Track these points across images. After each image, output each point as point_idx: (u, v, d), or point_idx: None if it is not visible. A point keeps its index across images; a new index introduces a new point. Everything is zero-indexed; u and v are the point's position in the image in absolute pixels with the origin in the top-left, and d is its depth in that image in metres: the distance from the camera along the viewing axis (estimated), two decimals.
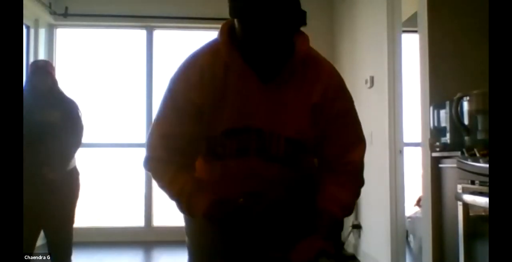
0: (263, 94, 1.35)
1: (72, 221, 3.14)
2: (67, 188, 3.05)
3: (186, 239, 1.56)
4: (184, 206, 1.40)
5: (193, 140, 1.40)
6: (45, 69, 3.05)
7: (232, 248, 1.43)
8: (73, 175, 3.11)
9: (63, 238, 3.09)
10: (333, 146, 1.42)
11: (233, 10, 1.28)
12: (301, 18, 1.30)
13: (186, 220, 1.56)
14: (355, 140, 1.46)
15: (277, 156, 1.40)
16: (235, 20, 1.30)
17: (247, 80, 1.35)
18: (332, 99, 1.39)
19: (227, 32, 1.35)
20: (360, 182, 1.48)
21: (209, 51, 1.40)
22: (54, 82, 3.12)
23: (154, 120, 1.45)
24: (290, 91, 1.37)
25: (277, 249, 1.42)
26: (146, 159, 1.48)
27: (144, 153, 1.48)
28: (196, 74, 1.36)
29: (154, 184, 5.28)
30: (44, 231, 3.13)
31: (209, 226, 1.42)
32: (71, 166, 3.10)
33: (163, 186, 1.46)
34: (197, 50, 1.43)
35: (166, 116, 1.41)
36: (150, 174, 1.49)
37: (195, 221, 1.50)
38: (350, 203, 1.44)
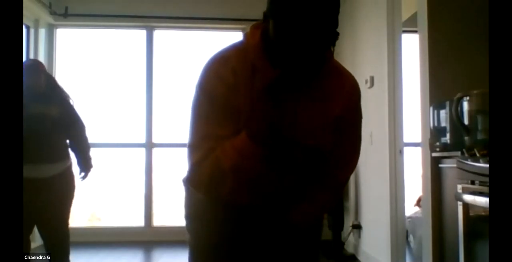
0: (288, 103, 1.35)
1: (67, 222, 3.13)
2: (62, 188, 3.04)
3: (188, 236, 1.55)
4: (229, 147, 1.29)
5: None
6: (33, 69, 3.02)
7: (237, 244, 1.44)
8: (68, 175, 3.10)
9: (59, 238, 3.09)
10: (331, 156, 1.44)
11: (273, 11, 1.25)
12: (335, 37, 1.28)
13: (189, 217, 1.55)
14: (351, 157, 1.51)
15: (297, 163, 1.41)
16: (271, 24, 1.27)
17: (274, 88, 1.32)
18: (348, 113, 1.42)
19: (259, 36, 1.34)
20: (338, 196, 1.61)
21: (236, 52, 1.37)
22: (46, 80, 3.09)
23: (192, 126, 1.36)
24: (315, 103, 1.37)
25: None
26: (187, 174, 1.39)
27: (187, 166, 1.37)
28: (230, 76, 1.32)
29: (154, 184, 5.26)
30: (40, 232, 3.12)
31: (212, 223, 1.45)
32: (66, 165, 3.07)
33: (209, 177, 1.33)
34: (224, 51, 1.39)
35: (208, 117, 1.33)
36: (197, 189, 1.40)
37: (198, 218, 1.50)
38: (319, 215, 1.59)
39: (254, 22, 1.42)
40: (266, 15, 1.30)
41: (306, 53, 1.25)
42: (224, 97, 1.32)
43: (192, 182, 1.39)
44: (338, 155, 1.45)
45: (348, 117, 1.43)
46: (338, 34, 1.28)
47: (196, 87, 1.37)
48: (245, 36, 1.39)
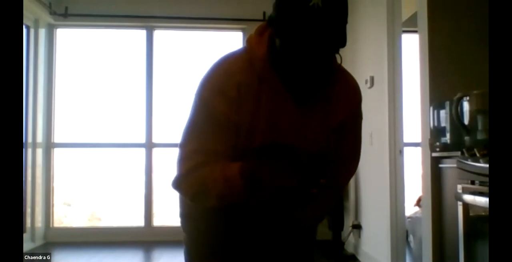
0: (295, 114, 1.35)
1: None
2: None
3: (184, 235, 1.54)
4: (219, 175, 1.27)
5: (226, 157, 1.32)
6: None
7: (232, 242, 1.45)
8: None
9: None
10: (331, 158, 1.44)
11: (280, 30, 1.22)
12: (343, 42, 1.25)
13: (184, 216, 1.55)
14: (352, 160, 1.52)
15: (300, 169, 1.39)
16: (277, 40, 1.25)
17: (282, 100, 1.32)
18: (350, 116, 1.44)
19: (266, 46, 1.31)
20: (338, 198, 1.61)
21: (242, 64, 1.33)
22: None
23: (186, 135, 1.34)
24: (320, 111, 1.38)
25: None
26: (175, 179, 1.35)
27: (176, 172, 1.36)
28: (233, 91, 1.29)
29: (154, 184, 5.28)
30: None
31: (207, 221, 1.45)
32: None
33: (195, 191, 1.33)
34: (227, 63, 1.35)
35: (204, 132, 1.31)
36: (181, 195, 1.40)
37: (193, 217, 1.50)
38: (320, 215, 1.57)
39: (253, 23, 1.41)
40: (270, 21, 1.28)
41: (314, 67, 1.25)
42: (224, 114, 1.30)
43: (178, 189, 1.38)
44: (340, 158, 1.45)
45: (351, 121, 1.44)
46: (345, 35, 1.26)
47: (196, 96, 1.35)
48: (249, 44, 1.36)
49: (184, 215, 1.54)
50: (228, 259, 1.44)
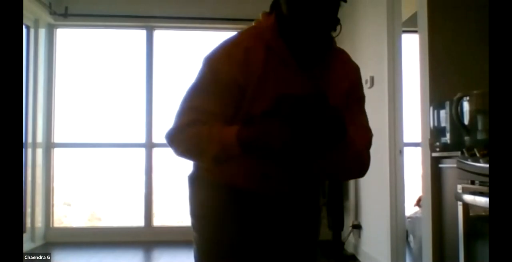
0: (301, 81, 1.40)
1: None
2: None
3: (194, 235, 1.51)
4: (216, 139, 1.29)
5: (225, 120, 1.35)
6: None
7: (245, 242, 1.45)
8: None
9: None
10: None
11: None
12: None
13: (195, 215, 1.53)
14: (365, 127, 1.58)
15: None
16: (283, 3, 1.34)
17: (288, 67, 1.39)
18: (356, 90, 1.52)
19: (274, 18, 1.40)
20: (360, 162, 1.63)
21: (250, 34, 1.42)
22: None
23: (190, 92, 1.39)
24: (324, 80, 1.44)
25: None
26: (170, 130, 1.41)
27: (172, 124, 1.41)
28: (240, 55, 1.36)
29: (154, 184, 5.27)
30: None
31: (220, 221, 1.46)
32: None
33: (188, 147, 1.37)
34: (236, 34, 1.44)
35: (205, 92, 1.37)
36: (172, 147, 1.42)
37: (206, 217, 1.50)
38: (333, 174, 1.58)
39: (249, 23, 1.48)
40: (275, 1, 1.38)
41: (318, 28, 1.32)
42: (230, 75, 1.35)
43: (171, 141, 1.41)
44: (354, 127, 1.45)
45: (356, 93, 1.52)
46: (339, 19, 1.36)
47: (204, 60, 1.41)
48: (257, 21, 1.45)
49: (195, 214, 1.52)
50: (240, 258, 1.43)
